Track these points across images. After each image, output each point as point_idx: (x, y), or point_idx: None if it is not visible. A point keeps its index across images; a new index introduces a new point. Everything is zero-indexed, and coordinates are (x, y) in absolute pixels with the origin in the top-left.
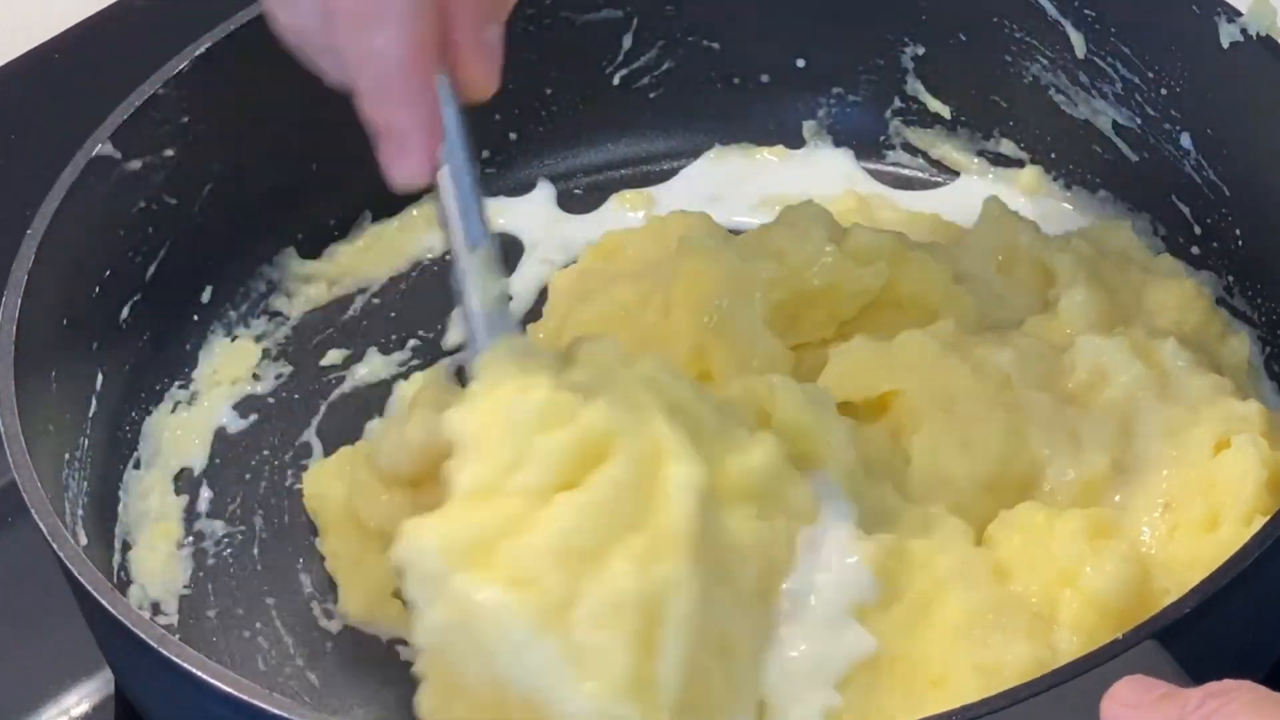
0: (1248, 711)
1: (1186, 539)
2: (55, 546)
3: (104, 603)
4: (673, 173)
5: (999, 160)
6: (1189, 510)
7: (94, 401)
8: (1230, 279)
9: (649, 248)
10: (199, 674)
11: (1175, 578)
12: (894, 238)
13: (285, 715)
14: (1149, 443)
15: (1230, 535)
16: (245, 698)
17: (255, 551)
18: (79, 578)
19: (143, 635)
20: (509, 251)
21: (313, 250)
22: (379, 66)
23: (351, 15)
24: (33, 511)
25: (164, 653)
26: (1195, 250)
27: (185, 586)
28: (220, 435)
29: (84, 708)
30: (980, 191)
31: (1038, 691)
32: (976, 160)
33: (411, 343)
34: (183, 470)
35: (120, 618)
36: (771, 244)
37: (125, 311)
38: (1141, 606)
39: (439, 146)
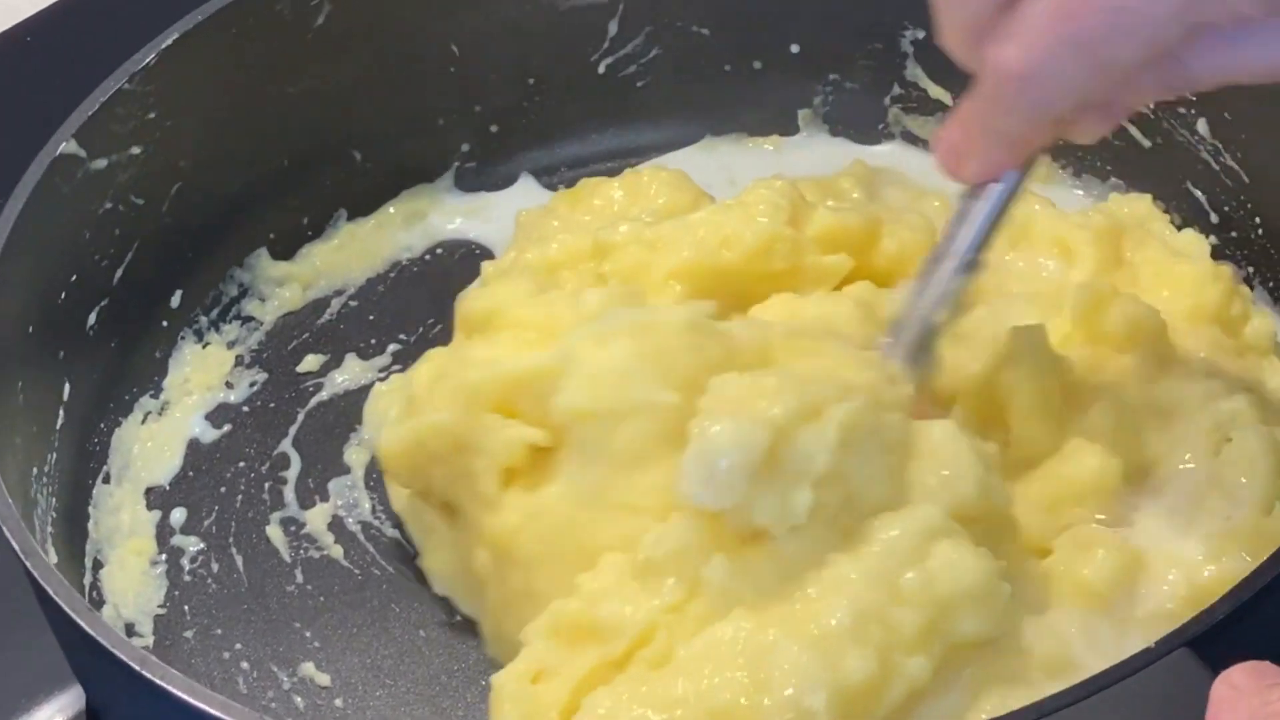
0: None
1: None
2: (29, 565)
3: (82, 624)
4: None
5: None
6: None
7: (62, 413)
8: (1250, 269)
9: (618, 199)
10: (185, 697)
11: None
12: (863, 220)
13: None
14: (1154, 451)
15: (1252, 525)
16: None
17: (232, 568)
18: (55, 598)
19: (123, 657)
20: (480, 257)
21: (286, 251)
22: (1053, 86)
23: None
24: (4, 529)
25: (147, 675)
26: (1213, 240)
27: (160, 606)
28: (193, 446)
29: None
30: None
31: (1067, 704)
32: None
33: (392, 347)
34: (154, 484)
35: (99, 639)
36: (725, 227)
37: (92, 318)
38: None
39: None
